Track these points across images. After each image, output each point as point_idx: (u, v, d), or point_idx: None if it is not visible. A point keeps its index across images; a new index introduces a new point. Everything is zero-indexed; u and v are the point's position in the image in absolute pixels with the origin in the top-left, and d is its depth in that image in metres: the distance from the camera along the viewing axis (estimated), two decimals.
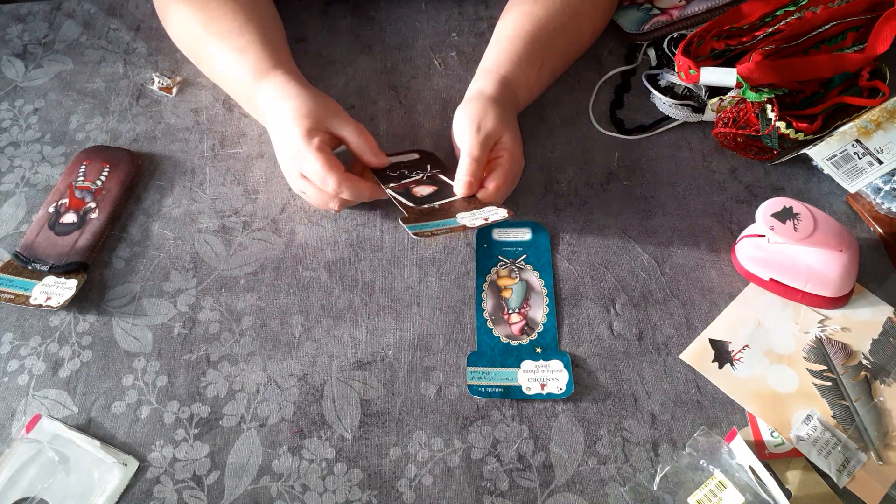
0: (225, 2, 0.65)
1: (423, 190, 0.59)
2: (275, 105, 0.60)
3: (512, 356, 0.56)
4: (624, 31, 0.74)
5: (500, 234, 0.62)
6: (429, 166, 0.62)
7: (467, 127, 0.59)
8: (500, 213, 0.54)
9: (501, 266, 0.61)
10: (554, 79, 0.71)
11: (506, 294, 0.59)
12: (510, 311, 0.58)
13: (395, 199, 0.57)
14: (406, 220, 0.55)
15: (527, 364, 0.56)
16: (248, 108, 0.67)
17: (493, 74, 0.63)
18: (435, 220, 0.55)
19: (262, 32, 0.65)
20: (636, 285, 0.60)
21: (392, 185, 0.59)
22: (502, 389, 0.54)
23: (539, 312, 0.58)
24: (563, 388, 0.54)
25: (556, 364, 0.55)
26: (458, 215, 0.55)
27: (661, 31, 0.72)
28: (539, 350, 0.56)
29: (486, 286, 0.60)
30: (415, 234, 0.53)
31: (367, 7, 0.80)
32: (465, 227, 0.54)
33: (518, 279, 0.60)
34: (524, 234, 0.62)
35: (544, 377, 0.55)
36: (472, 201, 0.57)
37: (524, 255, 0.61)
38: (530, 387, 0.54)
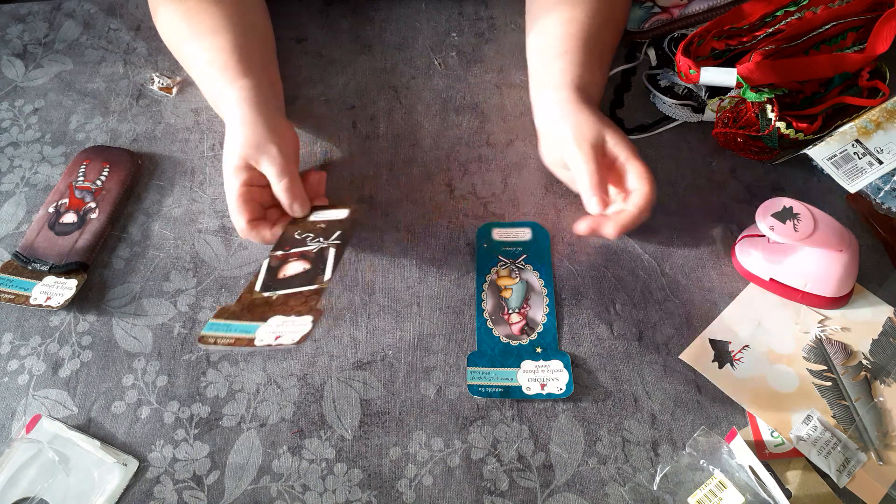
0: (209, 2, 0.64)
1: (293, 268, 0.55)
2: (228, 121, 0.59)
3: (512, 356, 0.56)
4: (626, 29, 0.74)
5: (500, 235, 0.62)
6: (338, 234, 0.57)
7: (573, 147, 0.55)
8: (296, 336, 0.48)
9: (501, 266, 0.61)
10: (609, 68, 0.68)
11: (506, 294, 0.59)
12: (510, 311, 0.58)
13: (258, 273, 0.55)
14: (220, 312, 0.51)
15: (527, 364, 0.56)
16: (217, 110, 0.66)
17: (565, 84, 0.60)
18: (243, 320, 0.51)
19: (239, 35, 0.64)
20: (636, 285, 0.60)
21: (280, 252, 0.56)
22: (502, 389, 0.54)
23: (539, 312, 0.58)
24: (564, 388, 0.54)
25: (556, 364, 0.55)
26: (269, 320, 0.50)
27: (662, 29, 0.72)
28: (539, 350, 0.56)
29: (486, 286, 0.60)
30: (199, 338, 0.49)
31: (366, 7, 0.80)
32: (251, 342, 0.49)
33: (518, 279, 0.60)
34: (524, 234, 0.62)
35: (544, 377, 0.55)
36: (302, 301, 0.52)
37: (524, 256, 0.61)
38: (530, 387, 0.54)
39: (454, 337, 0.58)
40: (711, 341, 0.57)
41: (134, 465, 0.52)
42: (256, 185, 0.58)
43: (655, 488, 0.51)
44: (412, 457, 0.53)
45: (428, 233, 0.63)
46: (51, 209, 0.64)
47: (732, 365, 0.56)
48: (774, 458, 0.52)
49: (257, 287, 0.54)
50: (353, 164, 0.68)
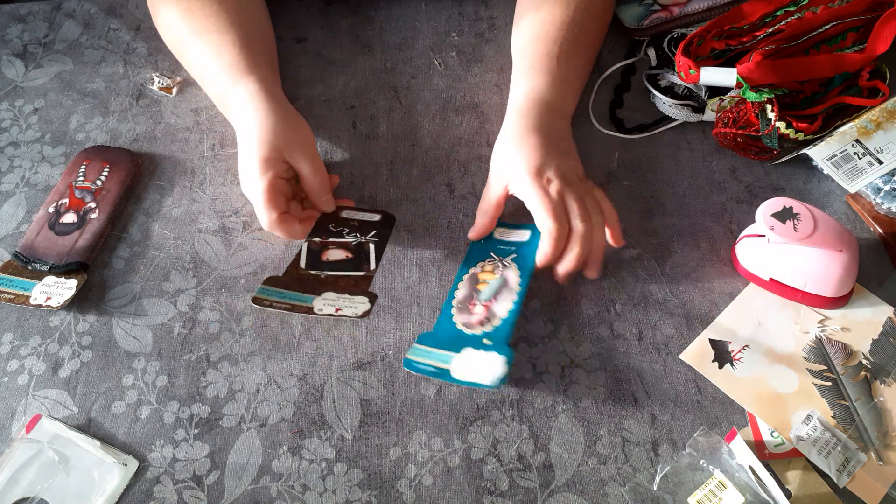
0: (210, 2, 0.65)
1: (336, 254, 0.58)
2: (244, 115, 0.60)
3: (459, 342, 0.53)
4: (624, 25, 0.74)
5: (501, 234, 0.62)
6: (374, 232, 0.60)
7: (524, 175, 0.56)
8: (358, 311, 0.52)
9: (489, 261, 0.60)
10: (590, 70, 0.70)
11: (480, 287, 0.58)
12: (477, 302, 0.57)
13: (300, 253, 0.57)
14: (269, 280, 0.55)
15: (467, 351, 0.53)
16: (222, 108, 0.67)
17: (530, 98, 0.61)
18: (295, 291, 0.54)
19: (242, 34, 0.64)
20: (636, 285, 0.60)
21: (318, 238, 0.59)
22: (434, 369, 0.52)
23: (503, 308, 0.56)
24: (491, 381, 0.50)
25: (496, 358, 0.51)
26: (323, 294, 0.54)
27: (661, 27, 0.72)
28: (487, 342, 0.54)
29: (466, 277, 0.59)
30: (253, 298, 0.53)
31: (367, 7, 0.80)
32: (310, 311, 0.53)
33: (498, 275, 0.58)
34: (523, 236, 0.62)
35: (477, 366, 0.52)
36: (352, 283, 0.55)
37: (513, 255, 0.60)
38: (459, 371, 0.51)
39: None
40: (711, 341, 0.57)
41: (134, 465, 0.52)
42: (283, 178, 0.58)
43: (655, 488, 0.51)
44: (412, 457, 0.53)
45: (428, 233, 0.63)
46: (51, 209, 0.64)
47: (732, 365, 0.56)
48: (774, 458, 0.52)
49: (302, 264, 0.57)
50: (353, 164, 0.68)
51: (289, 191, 0.59)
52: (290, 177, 0.59)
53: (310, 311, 0.53)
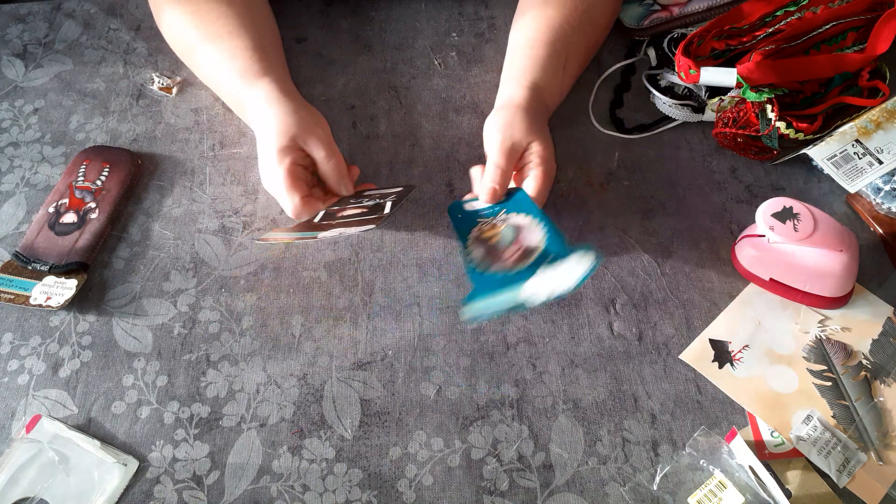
0: (218, 4, 0.65)
1: (350, 211, 0.59)
2: (260, 113, 0.60)
3: (517, 279, 0.50)
4: (625, 25, 0.74)
5: (471, 206, 0.59)
6: (393, 196, 0.60)
7: (495, 135, 0.59)
8: (363, 227, 0.53)
9: (483, 224, 0.57)
10: (580, 72, 0.71)
11: (494, 240, 0.55)
12: (503, 248, 0.54)
13: (315, 215, 0.58)
14: (276, 231, 0.57)
15: (541, 273, 0.50)
16: (237, 110, 0.67)
17: (519, 81, 0.63)
18: (303, 231, 0.56)
19: (254, 36, 0.65)
20: (636, 285, 0.60)
21: (336, 207, 0.59)
22: (508, 307, 0.50)
23: (535, 237, 0.53)
24: (573, 284, 0.48)
25: (569, 262, 0.49)
26: (329, 231, 0.56)
27: (661, 27, 0.72)
28: (549, 261, 0.50)
29: (470, 243, 0.56)
30: (259, 239, 0.55)
31: (367, 7, 0.80)
32: (314, 237, 0.54)
33: (504, 225, 0.56)
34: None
35: (556, 277, 0.49)
36: (363, 221, 0.57)
37: (504, 210, 0.57)
38: (534, 293, 0.49)
39: (454, 337, 0.58)
40: (711, 341, 0.57)
41: (134, 465, 0.52)
42: (301, 165, 0.59)
43: (655, 488, 0.51)
44: (412, 457, 0.53)
45: (428, 233, 0.63)
46: (51, 209, 0.64)
47: (732, 365, 0.56)
48: (774, 458, 0.52)
49: (316, 220, 0.57)
50: (354, 164, 0.68)
51: (309, 179, 0.60)
52: (307, 164, 0.60)
53: (314, 238, 0.53)
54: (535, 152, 0.59)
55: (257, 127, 0.61)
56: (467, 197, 0.62)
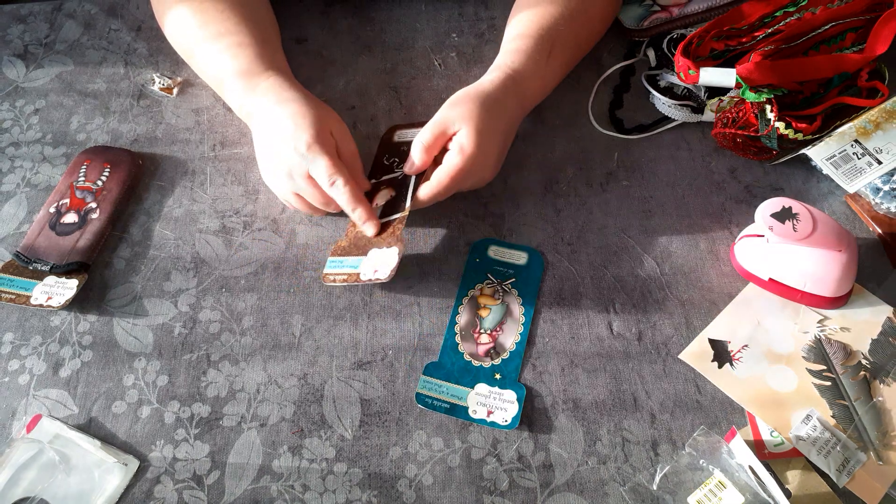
0: (220, 2, 0.65)
1: (383, 196, 0.61)
2: (269, 108, 0.60)
3: (470, 376, 0.55)
4: (624, 26, 0.74)
5: (495, 253, 0.61)
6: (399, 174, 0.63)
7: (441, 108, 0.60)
8: (387, 270, 0.55)
9: (487, 284, 0.60)
10: (570, 67, 0.70)
11: (483, 313, 0.58)
12: (482, 331, 0.58)
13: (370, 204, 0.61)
14: (334, 251, 0.60)
15: (481, 387, 0.55)
16: (236, 107, 0.66)
17: (499, 68, 0.63)
18: (351, 255, 0.59)
19: (257, 33, 0.65)
20: (636, 285, 0.60)
21: (374, 180, 0.64)
22: (449, 406, 0.54)
23: (509, 339, 0.57)
24: (509, 421, 0.53)
25: (510, 395, 0.54)
26: (368, 254, 0.58)
27: (661, 28, 0.72)
28: (498, 377, 0.55)
29: (465, 300, 0.59)
30: (323, 277, 0.59)
31: (367, 8, 0.80)
32: (358, 278, 0.56)
33: (500, 301, 0.59)
34: (520, 258, 0.61)
35: (494, 405, 0.54)
36: (391, 231, 0.58)
37: (513, 279, 0.60)
38: (476, 410, 0.54)
39: None
40: (711, 341, 0.57)
41: (134, 464, 0.52)
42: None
43: (655, 488, 0.51)
44: (412, 457, 0.53)
45: (428, 233, 0.63)
46: (52, 209, 0.64)
47: (732, 365, 0.56)
48: (774, 458, 0.52)
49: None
50: None
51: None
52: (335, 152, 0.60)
53: (358, 278, 0.56)
54: (458, 140, 0.58)
55: (264, 121, 0.60)
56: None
